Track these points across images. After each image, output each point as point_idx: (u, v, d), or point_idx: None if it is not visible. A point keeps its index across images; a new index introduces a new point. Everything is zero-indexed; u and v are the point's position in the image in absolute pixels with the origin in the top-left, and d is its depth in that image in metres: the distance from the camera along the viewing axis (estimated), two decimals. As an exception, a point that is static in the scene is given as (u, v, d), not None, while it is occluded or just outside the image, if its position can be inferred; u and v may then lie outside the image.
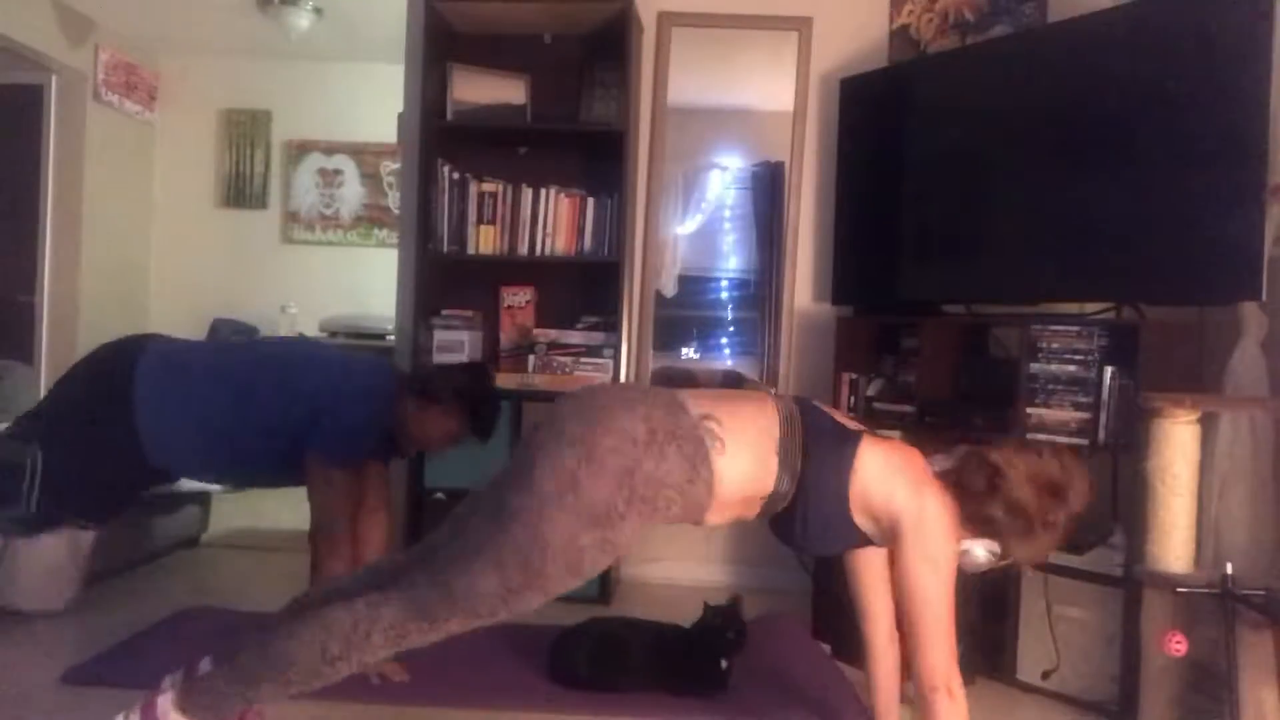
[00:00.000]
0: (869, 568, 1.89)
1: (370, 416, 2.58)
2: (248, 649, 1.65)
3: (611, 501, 1.54)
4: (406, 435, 2.63)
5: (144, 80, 5.74)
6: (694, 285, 3.61)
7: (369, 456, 2.61)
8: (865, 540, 1.73)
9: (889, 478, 1.66)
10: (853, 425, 1.75)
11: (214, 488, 3.55)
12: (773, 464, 1.65)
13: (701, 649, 2.25)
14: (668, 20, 3.47)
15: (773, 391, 1.74)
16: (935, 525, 1.64)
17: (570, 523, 1.53)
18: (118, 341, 2.85)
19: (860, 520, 1.69)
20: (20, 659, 2.38)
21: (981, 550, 1.72)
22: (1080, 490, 1.68)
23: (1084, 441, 2.40)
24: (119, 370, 2.66)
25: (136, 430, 2.59)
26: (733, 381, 1.86)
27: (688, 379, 1.85)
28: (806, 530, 1.69)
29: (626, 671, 2.26)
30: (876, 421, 2.72)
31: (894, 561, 1.68)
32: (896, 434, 1.94)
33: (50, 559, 2.66)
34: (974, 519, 1.69)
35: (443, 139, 3.29)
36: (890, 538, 1.67)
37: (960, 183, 2.84)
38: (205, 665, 1.78)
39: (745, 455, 1.63)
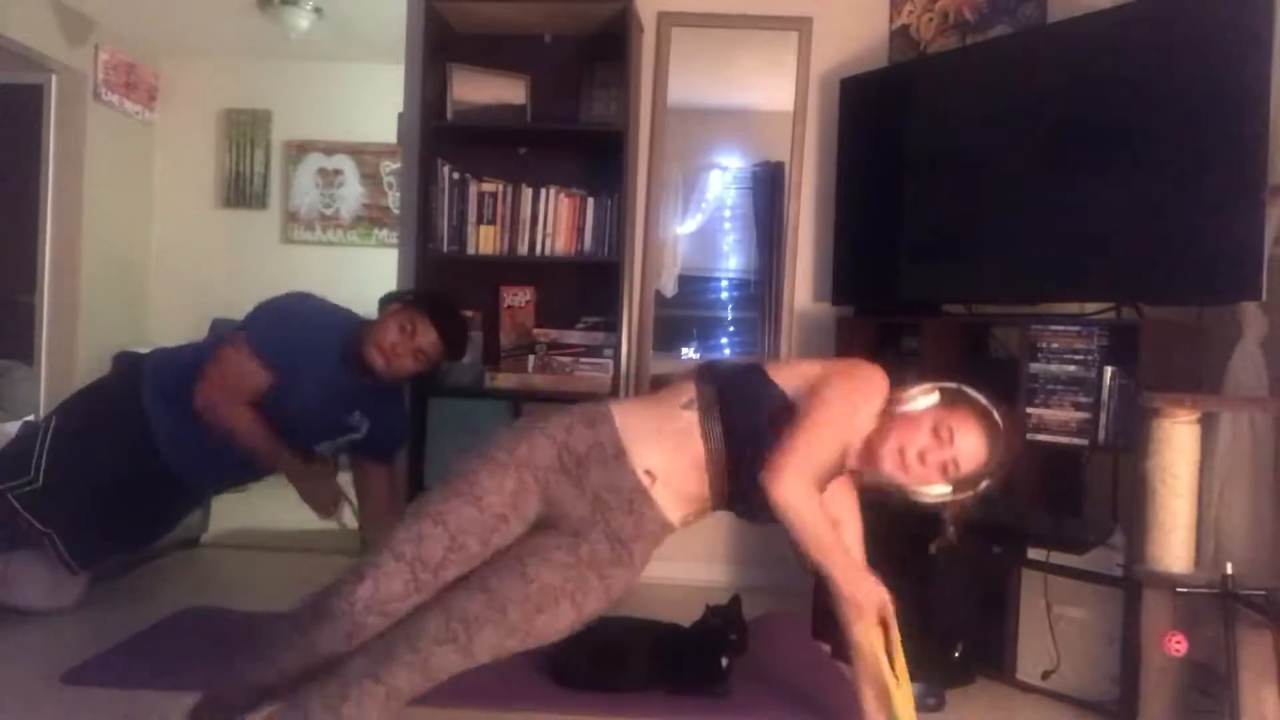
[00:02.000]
0: (834, 503, 1.91)
1: (301, 311, 2.66)
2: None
3: (520, 428, 1.82)
4: (370, 346, 2.61)
5: (144, 80, 5.74)
6: (694, 285, 3.61)
7: (282, 359, 2.58)
8: (786, 402, 1.77)
9: (799, 364, 1.89)
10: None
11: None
12: (688, 391, 1.79)
13: (701, 649, 2.25)
14: (668, 20, 3.47)
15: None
16: (854, 372, 1.80)
17: (489, 441, 1.79)
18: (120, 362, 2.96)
19: (788, 387, 1.79)
20: (20, 659, 2.38)
21: (918, 392, 1.80)
22: (1013, 444, 1.78)
23: (1084, 441, 2.40)
24: (129, 385, 2.69)
25: (153, 439, 2.61)
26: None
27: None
28: (736, 425, 1.75)
29: (626, 671, 2.25)
30: None
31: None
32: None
33: (52, 559, 2.67)
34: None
35: (443, 139, 3.29)
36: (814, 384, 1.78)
37: (960, 183, 2.84)
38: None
39: (678, 471, 1.75)
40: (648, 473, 1.73)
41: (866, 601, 1.78)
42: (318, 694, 1.59)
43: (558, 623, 1.73)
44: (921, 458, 1.75)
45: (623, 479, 1.72)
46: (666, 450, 1.75)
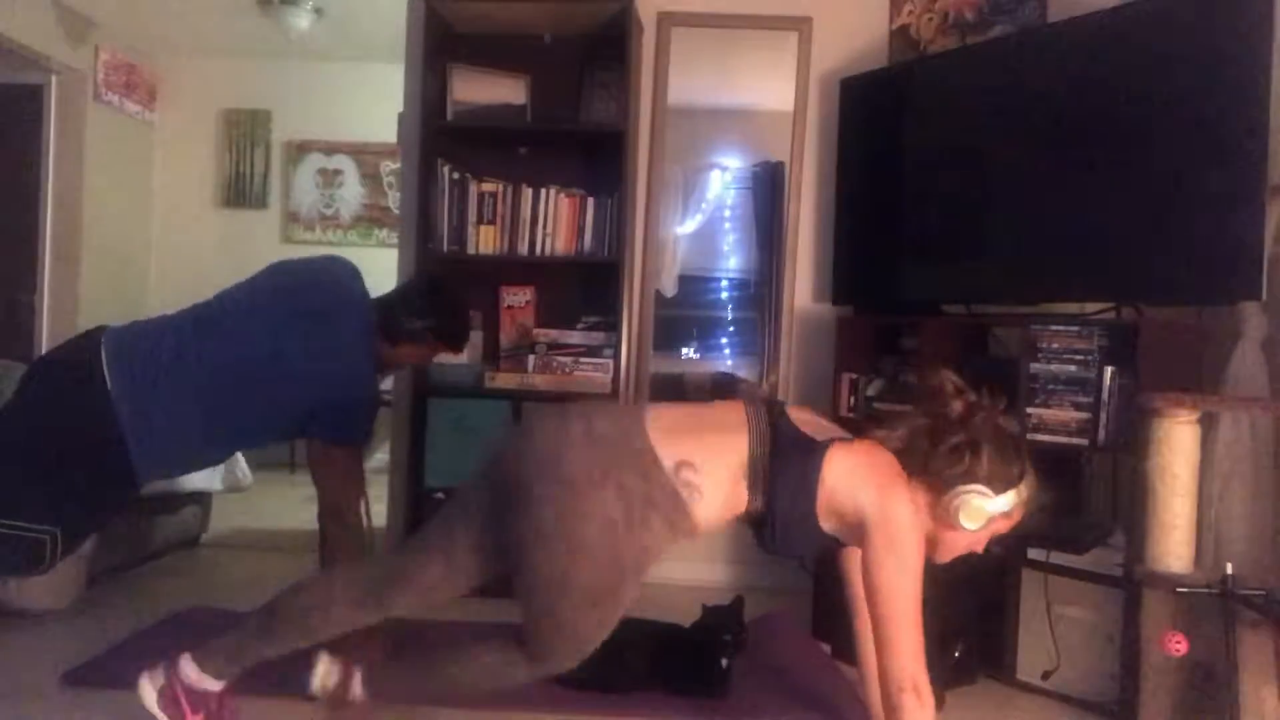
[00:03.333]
0: (860, 564, 1.88)
1: (367, 390, 2.52)
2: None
3: (608, 583, 1.64)
4: (386, 367, 2.61)
5: (144, 80, 5.74)
6: (694, 285, 3.61)
7: (370, 427, 2.53)
8: (835, 542, 1.74)
9: (855, 483, 1.65)
10: (822, 435, 1.72)
11: (215, 486, 3.54)
12: (743, 489, 1.68)
13: (701, 649, 2.25)
14: (668, 20, 3.47)
15: (754, 396, 1.73)
16: (901, 523, 1.62)
17: (574, 613, 1.66)
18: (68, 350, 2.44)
19: (828, 525, 1.69)
20: (21, 659, 2.38)
21: (975, 499, 1.65)
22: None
23: (1084, 441, 2.40)
24: (87, 387, 2.26)
25: (127, 449, 2.25)
26: (723, 384, 1.86)
27: (676, 387, 1.87)
28: (775, 538, 1.71)
29: (626, 671, 2.25)
30: (877, 422, 2.71)
31: (862, 562, 1.67)
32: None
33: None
34: (954, 456, 1.67)
35: (443, 139, 3.29)
36: (858, 538, 1.67)
37: (960, 183, 2.83)
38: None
39: (721, 492, 1.67)
40: (685, 464, 1.67)
41: None
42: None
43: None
44: (976, 550, 1.76)
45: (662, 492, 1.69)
46: (715, 507, 1.70)
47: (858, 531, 1.66)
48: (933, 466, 1.67)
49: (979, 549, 1.75)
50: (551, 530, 1.60)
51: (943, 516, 1.67)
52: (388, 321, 2.55)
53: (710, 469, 1.65)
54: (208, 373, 2.30)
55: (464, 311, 2.71)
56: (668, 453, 1.64)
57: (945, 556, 1.74)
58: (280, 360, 2.34)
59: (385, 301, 2.62)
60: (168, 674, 1.84)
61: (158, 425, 2.25)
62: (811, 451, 1.68)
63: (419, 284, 2.89)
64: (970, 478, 1.65)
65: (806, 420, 1.77)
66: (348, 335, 2.45)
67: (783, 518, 1.67)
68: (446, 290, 2.69)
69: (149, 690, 1.83)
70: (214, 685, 1.84)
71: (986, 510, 1.65)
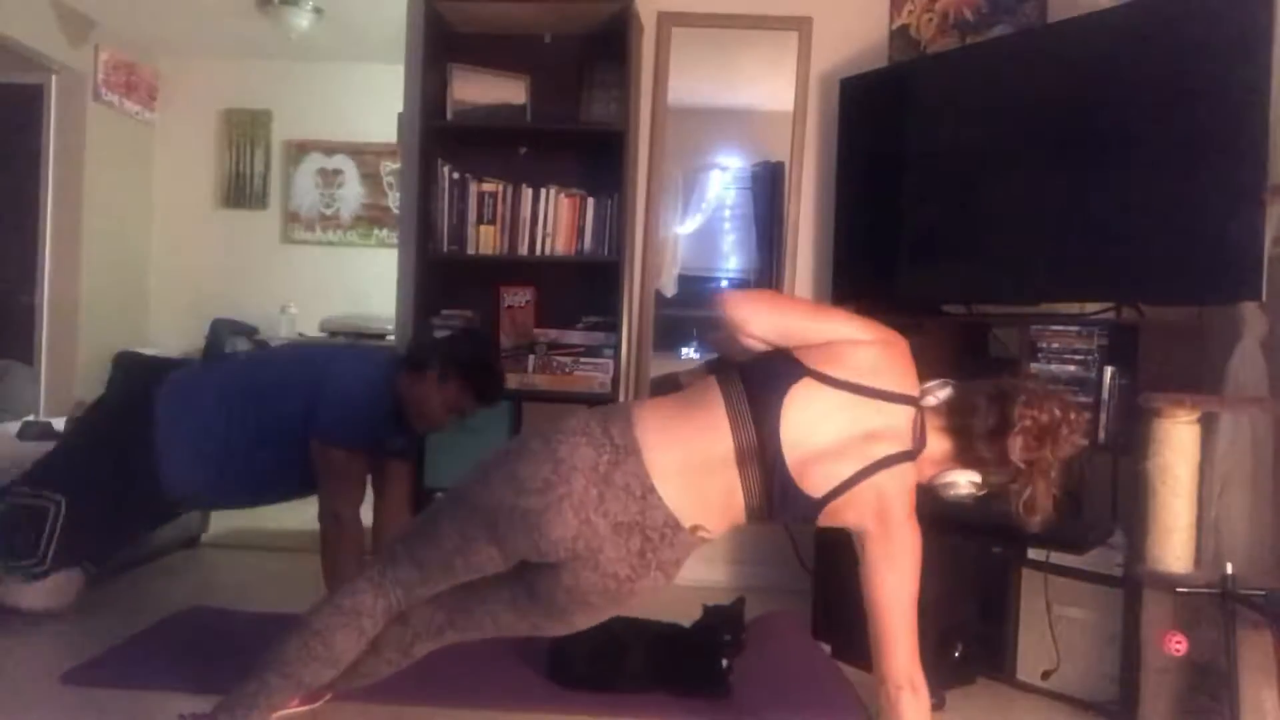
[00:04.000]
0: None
1: (364, 394, 2.57)
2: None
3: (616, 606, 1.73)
4: (408, 410, 2.60)
5: (144, 80, 5.74)
6: (694, 285, 3.61)
7: (373, 440, 2.58)
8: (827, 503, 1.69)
9: (826, 454, 1.64)
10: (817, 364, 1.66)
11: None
12: (740, 507, 1.66)
13: (701, 649, 2.25)
14: (668, 20, 3.47)
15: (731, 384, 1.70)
16: (901, 533, 1.62)
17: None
18: (136, 372, 2.93)
19: (813, 486, 1.65)
20: (21, 658, 2.38)
21: (965, 480, 1.67)
22: (1069, 438, 1.64)
23: (1084, 441, 2.39)
24: (141, 403, 2.66)
25: (158, 464, 2.59)
26: (716, 368, 1.84)
27: (674, 389, 1.86)
28: (775, 506, 1.68)
29: (626, 671, 2.25)
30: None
31: (861, 566, 1.66)
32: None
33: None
34: (966, 454, 1.67)
35: (443, 139, 3.29)
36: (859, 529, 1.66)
37: (960, 182, 2.83)
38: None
39: (725, 523, 1.68)
40: (698, 527, 1.66)
41: None
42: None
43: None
44: None
45: (680, 549, 1.68)
46: (713, 511, 1.67)
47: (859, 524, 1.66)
48: (967, 440, 1.66)
49: None
50: (560, 556, 1.64)
51: (934, 475, 1.69)
52: (416, 351, 2.66)
53: (717, 517, 1.66)
54: (234, 374, 2.73)
55: (497, 364, 2.76)
56: (684, 513, 1.63)
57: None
58: (305, 364, 2.68)
59: (422, 339, 2.74)
60: None
61: (182, 428, 2.59)
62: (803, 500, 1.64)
63: (461, 332, 2.99)
64: (976, 465, 1.67)
65: (809, 355, 1.67)
66: (368, 353, 2.61)
67: (780, 499, 1.66)
68: (484, 342, 2.83)
69: None
70: None
71: (962, 494, 1.68)
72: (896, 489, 1.62)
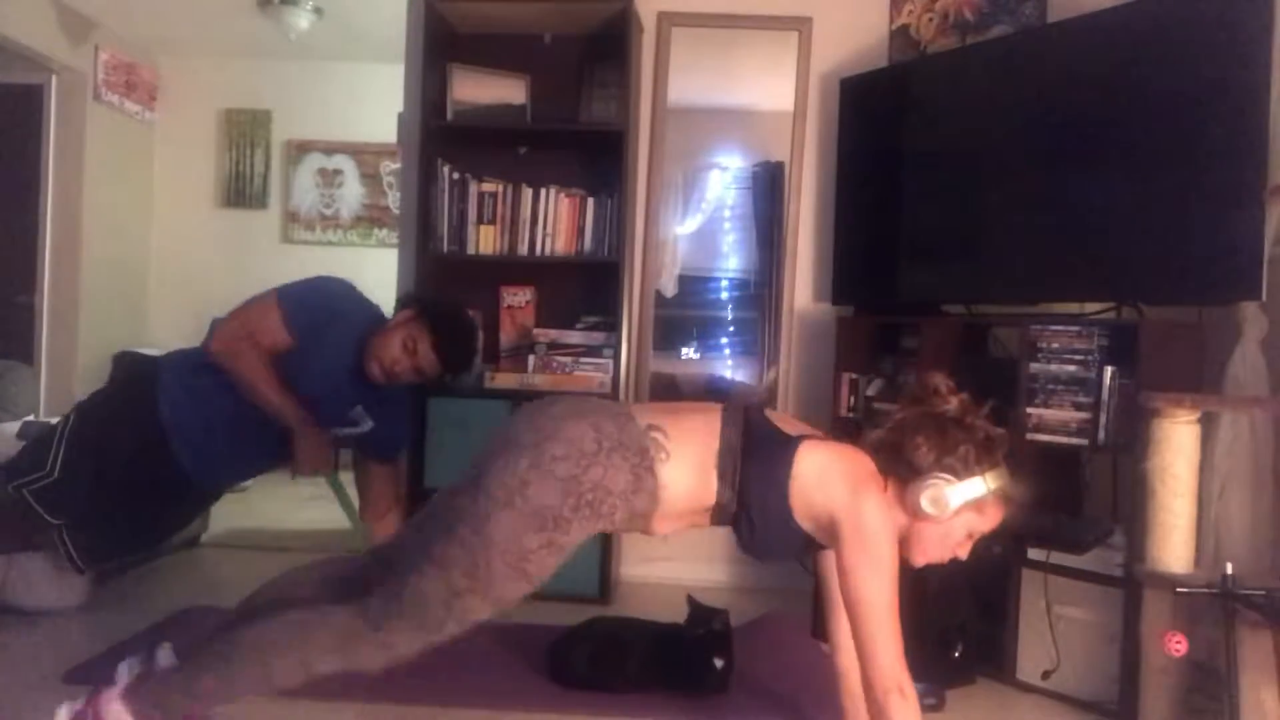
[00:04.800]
0: (834, 567, 1.88)
1: (334, 289, 2.75)
2: (202, 654, 1.72)
3: (558, 507, 1.58)
4: (369, 348, 2.61)
5: (144, 80, 5.74)
6: (694, 285, 3.62)
7: (311, 329, 2.61)
8: (813, 544, 1.71)
9: (827, 480, 1.64)
10: (796, 430, 1.73)
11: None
12: (713, 477, 1.67)
13: (696, 649, 2.25)
14: (668, 20, 3.47)
15: (735, 397, 1.72)
16: (874, 524, 1.60)
17: (516, 524, 1.57)
18: (134, 363, 2.96)
19: (805, 524, 1.67)
20: (21, 658, 2.39)
21: (939, 485, 1.64)
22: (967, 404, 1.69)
23: (1084, 441, 2.40)
24: (143, 386, 2.69)
25: (168, 443, 2.60)
26: (717, 387, 1.89)
27: (671, 388, 1.89)
28: (753, 536, 1.70)
29: (625, 672, 2.26)
30: (876, 422, 2.72)
31: (837, 566, 1.65)
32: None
33: (57, 559, 2.67)
34: (905, 487, 1.68)
35: (443, 139, 3.29)
36: (832, 539, 1.65)
37: (960, 182, 2.83)
38: (164, 655, 1.82)
39: (687, 465, 1.66)
40: (655, 428, 1.69)
41: None
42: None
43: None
44: (955, 555, 1.73)
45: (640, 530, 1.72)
46: (684, 520, 1.72)
47: (831, 531, 1.64)
48: (904, 458, 1.67)
49: (961, 553, 1.72)
50: (525, 444, 1.61)
51: (913, 508, 1.66)
52: (408, 296, 2.76)
53: (680, 444, 1.67)
54: None
55: (472, 339, 2.79)
56: (642, 418, 1.68)
57: (919, 556, 1.71)
58: None
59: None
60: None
61: (184, 397, 2.62)
62: (785, 444, 1.68)
63: (454, 303, 2.93)
64: (938, 466, 1.64)
65: (786, 422, 1.77)
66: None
67: (758, 513, 1.66)
68: (469, 321, 2.83)
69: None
70: None
71: (947, 497, 1.63)
72: (870, 466, 1.68)
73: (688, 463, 1.66)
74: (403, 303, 2.74)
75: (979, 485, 1.64)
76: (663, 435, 1.66)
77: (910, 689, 1.58)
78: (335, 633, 1.63)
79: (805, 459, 1.66)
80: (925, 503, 1.63)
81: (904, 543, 1.68)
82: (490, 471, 1.61)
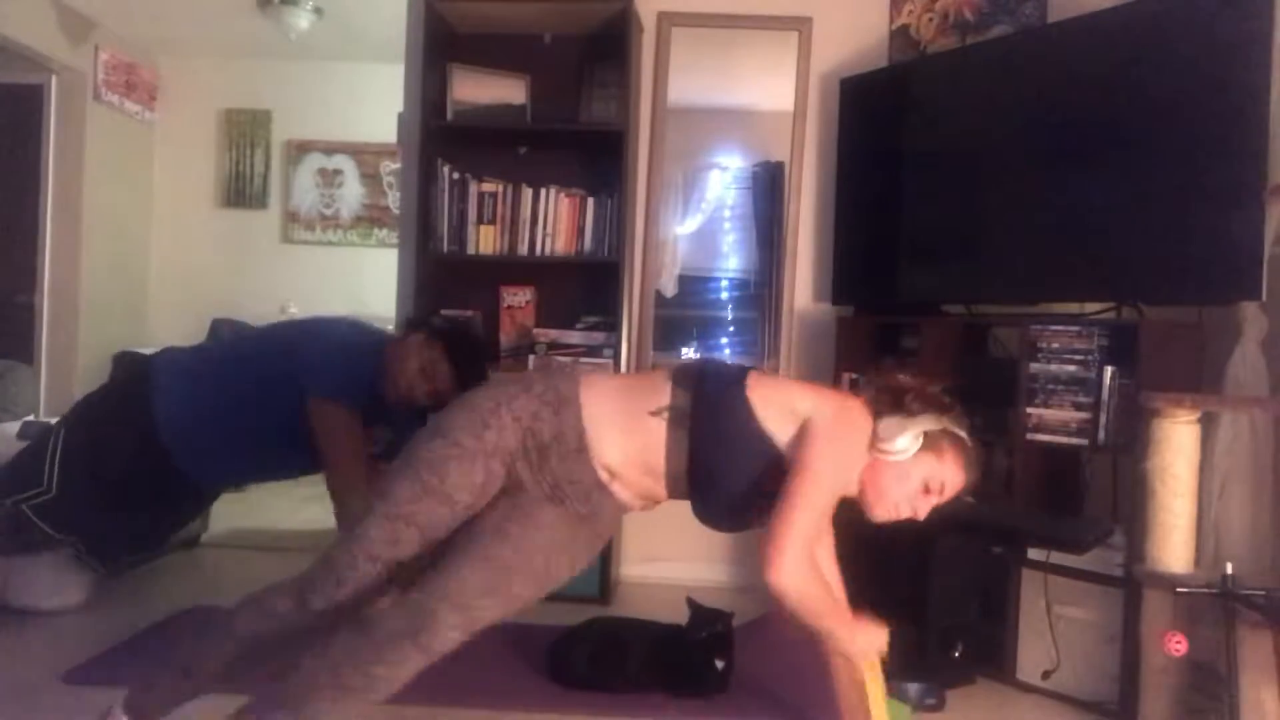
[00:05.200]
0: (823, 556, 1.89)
1: (341, 344, 2.64)
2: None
3: (485, 408, 1.69)
4: (386, 372, 2.59)
5: (144, 80, 5.74)
6: (694, 285, 3.61)
7: (354, 391, 2.58)
8: (777, 454, 1.66)
9: (788, 395, 1.69)
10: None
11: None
12: (663, 383, 1.70)
13: (696, 650, 2.25)
14: (667, 20, 3.47)
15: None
16: (848, 419, 1.65)
17: (454, 422, 1.69)
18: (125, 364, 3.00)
19: (767, 424, 1.66)
20: (21, 658, 2.39)
21: (903, 437, 1.67)
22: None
23: (1084, 441, 2.40)
24: (135, 385, 2.72)
25: (162, 442, 2.61)
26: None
27: None
28: (714, 444, 1.66)
29: (625, 672, 2.26)
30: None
31: (796, 438, 1.65)
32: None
33: (57, 559, 2.67)
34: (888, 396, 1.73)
35: (443, 139, 3.29)
36: (799, 435, 1.64)
37: (960, 182, 2.84)
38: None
39: (619, 379, 1.79)
40: (607, 468, 1.67)
41: (869, 650, 1.78)
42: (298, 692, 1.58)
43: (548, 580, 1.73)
44: (913, 509, 1.72)
45: (582, 473, 1.67)
46: (630, 453, 1.68)
47: (801, 433, 1.64)
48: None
49: (920, 510, 1.72)
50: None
51: (872, 440, 1.68)
52: (415, 317, 2.77)
53: (609, 392, 1.71)
54: (221, 348, 2.89)
55: (485, 355, 2.79)
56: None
57: (875, 497, 1.70)
58: (286, 326, 2.84)
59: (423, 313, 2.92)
60: None
61: (180, 407, 2.63)
62: (734, 378, 1.71)
63: (465, 321, 2.96)
64: (895, 410, 1.70)
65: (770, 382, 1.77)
66: (350, 318, 2.79)
67: (714, 413, 1.66)
68: (476, 330, 2.85)
69: None
70: None
71: (905, 425, 1.67)
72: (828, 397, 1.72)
73: (620, 378, 1.73)
74: (409, 325, 2.71)
75: (931, 421, 1.68)
76: (609, 475, 1.67)
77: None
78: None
79: (758, 386, 1.69)
80: (883, 428, 1.67)
81: (862, 488, 1.70)
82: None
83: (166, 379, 2.68)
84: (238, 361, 2.73)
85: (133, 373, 2.79)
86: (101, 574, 2.72)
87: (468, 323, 2.88)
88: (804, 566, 1.63)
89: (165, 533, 2.99)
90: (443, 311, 3.28)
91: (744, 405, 1.66)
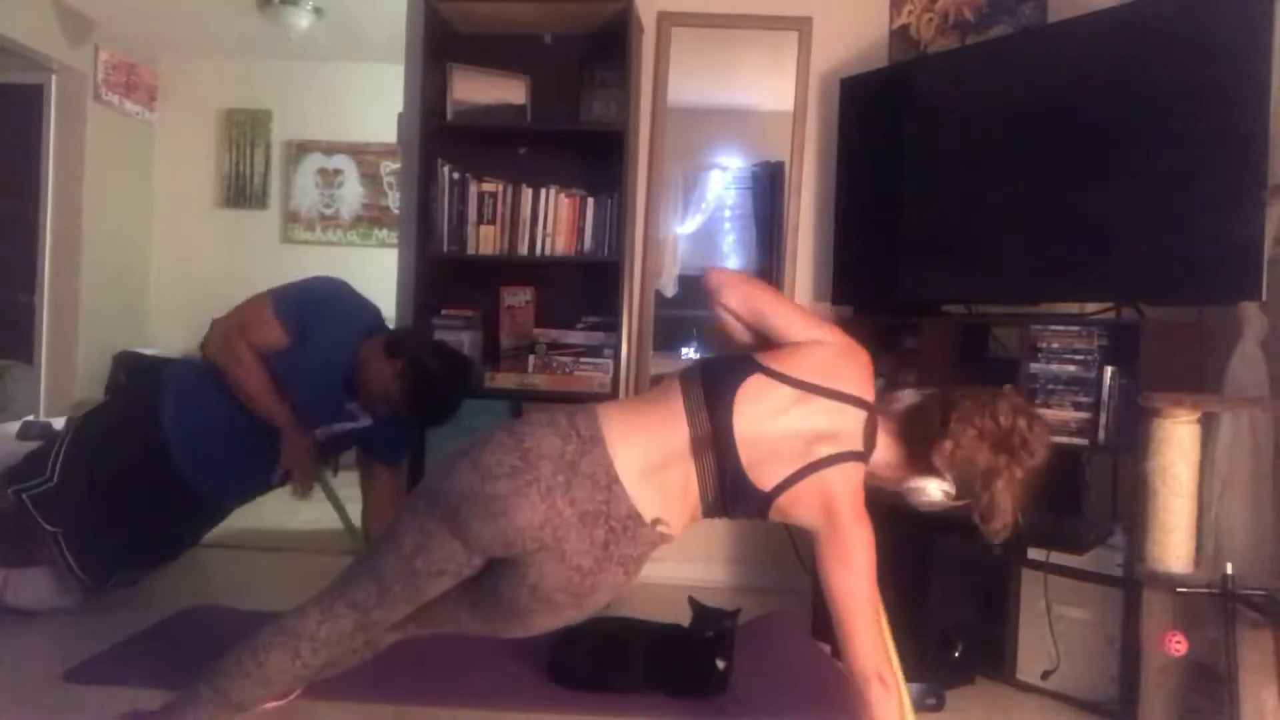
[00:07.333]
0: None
1: (324, 289, 2.79)
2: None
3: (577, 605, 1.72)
4: (357, 372, 2.65)
5: (144, 80, 5.74)
6: (694, 285, 3.61)
7: (293, 325, 2.63)
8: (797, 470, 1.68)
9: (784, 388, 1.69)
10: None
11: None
12: (694, 489, 1.68)
13: (697, 650, 2.25)
14: (668, 20, 3.47)
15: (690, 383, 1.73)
16: (852, 534, 1.64)
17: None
18: (139, 370, 3.02)
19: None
20: (22, 657, 2.39)
21: (935, 488, 1.69)
22: (1035, 449, 1.67)
23: (1084, 441, 2.40)
24: (146, 393, 2.73)
25: (168, 448, 2.62)
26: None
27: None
28: (725, 501, 1.70)
29: (626, 672, 2.25)
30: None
31: (816, 565, 1.69)
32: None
33: (57, 569, 2.66)
34: (919, 462, 1.70)
35: (443, 139, 3.29)
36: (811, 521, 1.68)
37: (960, 182, 2.83)
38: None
39: (681, 513, 1.69)
40: (659, 521, 1.67)
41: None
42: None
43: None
44: None
45: (641, 545, 1.68)
46: (672, 505, 1.68)
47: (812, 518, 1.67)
48: (928, 439, 1.67)
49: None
50: (524, 580, 1.66)
51: (899, 480, 1.72)
52: (401, 336, 2.75)
53: (676, 511, 1.68)
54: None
55: (455, 394, 2.72)
56: (645, 505, 1.64)
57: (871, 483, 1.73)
58: None
59: (417, 328, 3.00)
60: None
61: (185, 405, 2.66)
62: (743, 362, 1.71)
63: (452, 353, 2.87)
64: (951, 479, 1.67)
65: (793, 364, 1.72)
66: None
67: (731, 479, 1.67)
68: (460, 371, 2.75)
69: None
70: None
71: (933, 495, 1.69)
72: (842, 487, 1.65)
73: (684, 516, 1.69)
74: (397, 345, 2.65)
75: (951, 492, 1.69)
76: (666, 526, 1.67)
77: (892, 677, 1.63)
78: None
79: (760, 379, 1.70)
80: (919, 500, 1.69)
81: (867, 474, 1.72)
82: (505, 578, 1.69)
83: (174, 387, 2.70)
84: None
85: (144, 380, 2.80)
86: (87, 585, 2.64)
87: (457, 361, 2.79)
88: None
89: (163, 550, 2.90)
90: (442, 314, 3.29)
91: (753, 487, 1.68)
